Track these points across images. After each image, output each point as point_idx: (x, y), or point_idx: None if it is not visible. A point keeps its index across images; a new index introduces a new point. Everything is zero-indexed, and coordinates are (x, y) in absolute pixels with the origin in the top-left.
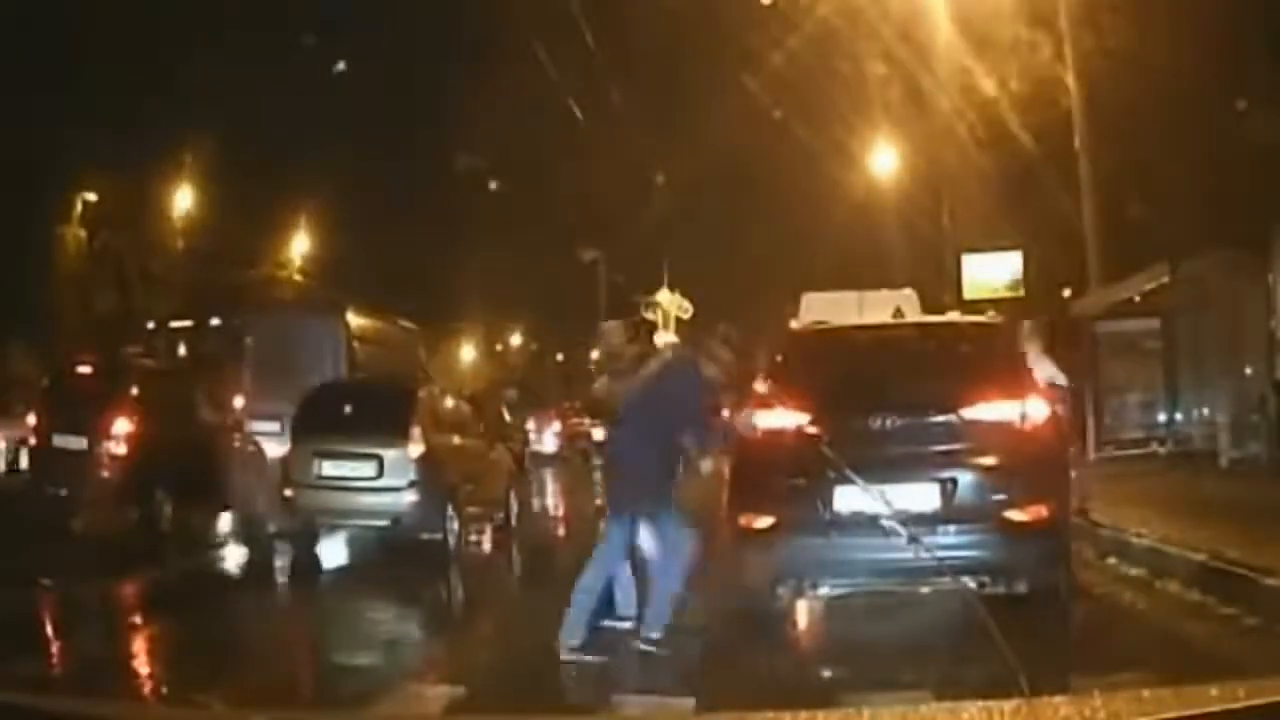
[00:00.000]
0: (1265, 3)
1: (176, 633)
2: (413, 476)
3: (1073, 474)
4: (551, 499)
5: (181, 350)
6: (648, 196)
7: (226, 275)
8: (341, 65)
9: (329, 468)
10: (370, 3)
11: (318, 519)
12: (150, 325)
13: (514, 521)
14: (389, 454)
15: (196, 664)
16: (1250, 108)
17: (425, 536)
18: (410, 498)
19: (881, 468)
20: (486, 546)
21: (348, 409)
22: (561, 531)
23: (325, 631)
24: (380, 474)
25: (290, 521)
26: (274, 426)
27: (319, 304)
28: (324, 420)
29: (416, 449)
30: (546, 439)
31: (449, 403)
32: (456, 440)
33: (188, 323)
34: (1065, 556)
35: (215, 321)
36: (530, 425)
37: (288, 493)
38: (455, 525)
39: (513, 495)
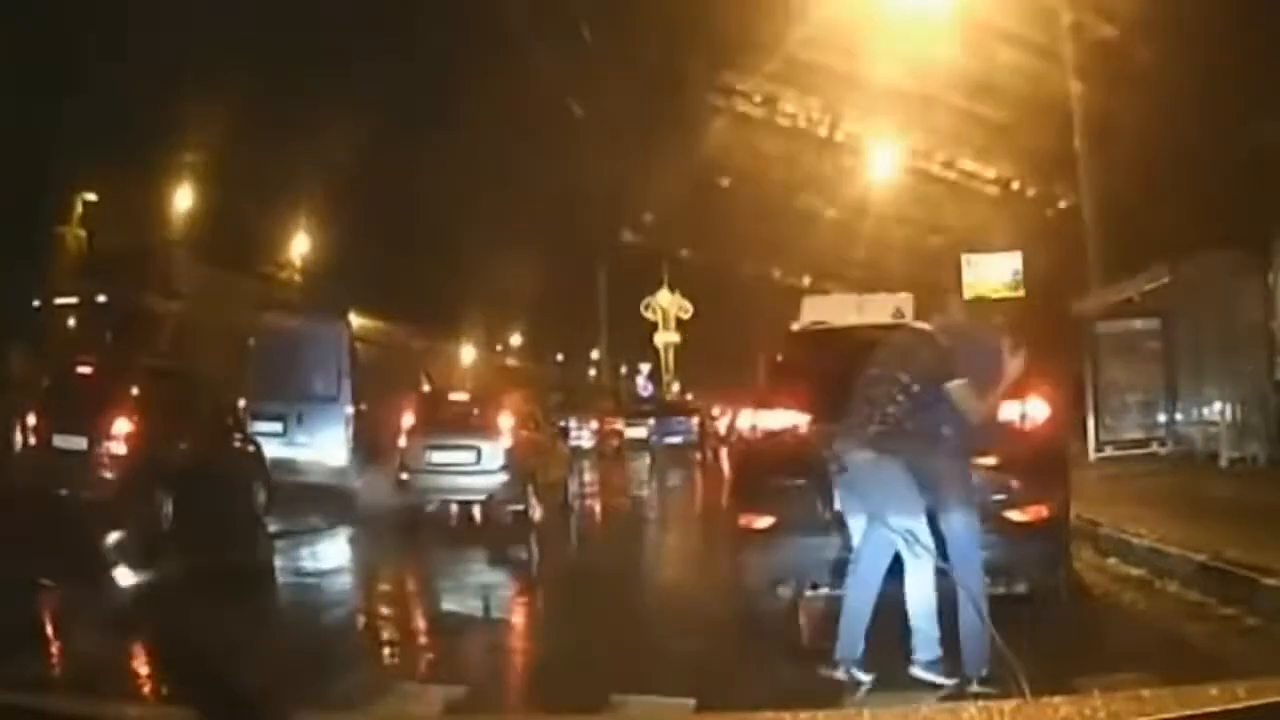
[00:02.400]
0: (1265, 2)
1: (176, 633)
2: (503, 462)
3: None
4: (591, 483)
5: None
6: (648, 197)
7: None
8: (343, 65)
9: (438, 456)
10: (371, 2)
11: (428, 496)
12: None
13: (569, 499)
14: (485, 446)
15: (196, 663)
16: (1251, 108)
17: (511, 508)
18: (502, 478)
19: None
20: (554, 516)
21: (452, 411)
22: (601, 507)
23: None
24: (479, 461)
25: (405, 499)
26: (276, 427)
27: (322, 307)
28: (434, 421)
29: (507, 442)
30: (585, 436)
31: (525, 406)
32: (530, 435)
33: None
34: (1065, 556)
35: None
36: (572, 424)
37: (404, 476)
38: (533, 499)
39: (569, 479)
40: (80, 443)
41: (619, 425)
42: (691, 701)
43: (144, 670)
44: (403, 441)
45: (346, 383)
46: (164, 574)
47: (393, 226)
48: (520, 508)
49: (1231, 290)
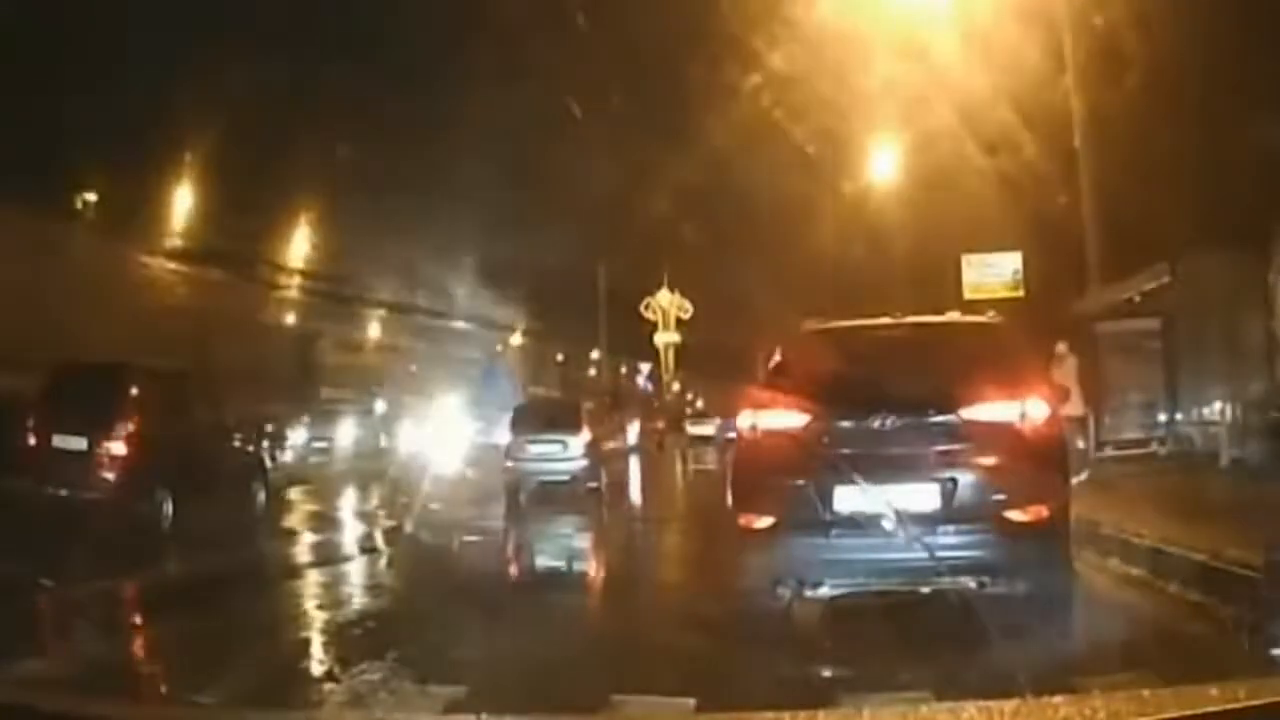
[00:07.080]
0: (1266, 2)
1: (176, 633)
2: (583, 451)
3: None
4: (638, 471)
5: None
6: (648, 198)
7: None
8: (343, 66)
9: (534, 448)
10: (371, 2)
11: (526, 479)
12: None
13: (626, 479)
14: (570, 439)
15: (196, 663)
16: (1251, 108)
17: (589, 485)
18: (582, 463)
19: (881, 468)
20: (619, 491)
21: (545, 414)
22: (656, 485)
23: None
24: (565, 450)
25: (508, 481)
26: (483, 425)
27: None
28: (530, 421)
29: (586, 436)
30: (630, 434)
31: (596, 409)
32: (601, 430)
33: None
34: (1065, 556)
35: None
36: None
37: (508, 464)
38: (604, 479)
39: (627, 465)
40: (80, 443)
41: (660, 427)
42: (691, 701)
43: (144, 670)
44: (506, 438)
45: (522, 398)
46: (163, 574)
47: (392, 225)
48: (595, 485)
49: (1231, 290)
